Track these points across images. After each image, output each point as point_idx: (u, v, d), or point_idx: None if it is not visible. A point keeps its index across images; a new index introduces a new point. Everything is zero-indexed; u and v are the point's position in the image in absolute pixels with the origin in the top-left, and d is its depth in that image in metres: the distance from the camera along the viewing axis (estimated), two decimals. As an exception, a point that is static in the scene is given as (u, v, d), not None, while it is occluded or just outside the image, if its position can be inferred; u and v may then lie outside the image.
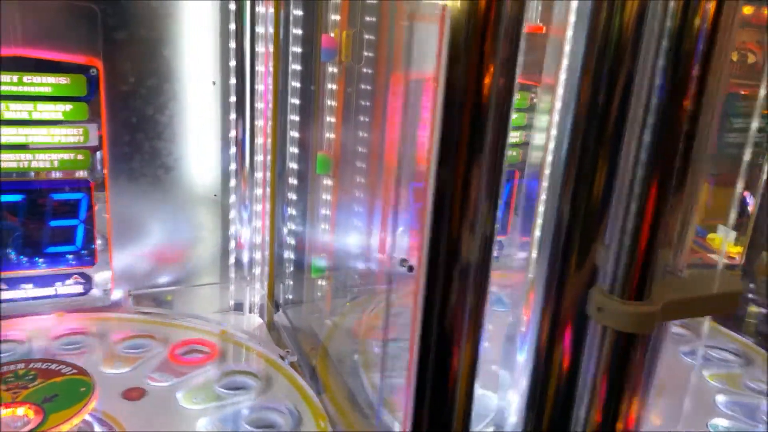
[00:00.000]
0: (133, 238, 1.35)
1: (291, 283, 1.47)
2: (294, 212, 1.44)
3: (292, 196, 1.43)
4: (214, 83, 1.32)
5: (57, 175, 1.21)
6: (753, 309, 1.63)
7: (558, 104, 0.69)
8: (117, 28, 1.22)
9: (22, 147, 1.18)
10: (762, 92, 1.32)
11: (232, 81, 1.34)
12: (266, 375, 1.12)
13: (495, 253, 1.67)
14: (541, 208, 0.80)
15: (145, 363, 1.13)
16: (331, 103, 1.35)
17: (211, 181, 1.40)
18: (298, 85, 1.35)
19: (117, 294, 1.33)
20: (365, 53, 1.34)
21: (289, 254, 1.46)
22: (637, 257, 0.50)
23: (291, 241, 1.46)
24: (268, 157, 1.39)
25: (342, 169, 1.41)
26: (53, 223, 1.24)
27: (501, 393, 0.98)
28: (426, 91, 1.47)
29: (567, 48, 0.68)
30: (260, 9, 1.30)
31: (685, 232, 0.57)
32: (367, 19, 1.32)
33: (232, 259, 1.45)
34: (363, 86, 1.37)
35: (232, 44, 1.31)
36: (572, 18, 0.70)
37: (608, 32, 0.59)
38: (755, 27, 1.58)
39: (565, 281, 0.59)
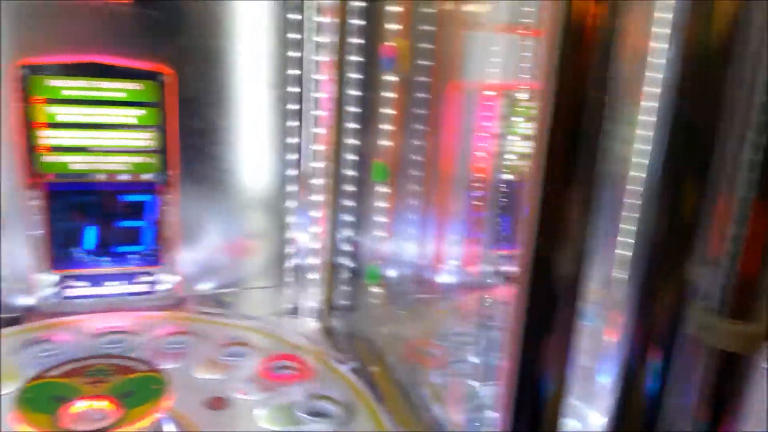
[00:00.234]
0: (196, 240, 1.39)
1: (346, 288, 1.49)
2: (350, 219, 1.46)
3: (348, 202, 1.45)
4: (278, 91, 1.35)
5: (127, 177, 1.26)
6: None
7: (644, 117, 0.69)
8: (186, 36, 1.26)
9: (96, 150, 1.22)
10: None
11: (293, 89, 1.37)
12: (350, 405, 1.07)
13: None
14: (624, 225, 0.80)
15: (237, 372, 1.12)
16: (388, 111, 1.37)
17: (271, 186, 1.43)
18: (356, 93, 1.37)
19: (180, 293, 1.37)
20: (423, 62, 1.35)
21: (344, 260, 1.48)
22: (745, 276, 0.50)
23: (346, 247, 1.48)
24: (327, 164, 1.41)
25: (398, 177, 1.43)
26: (122, 224, 1.28)
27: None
28: (483, 100, 1.48)
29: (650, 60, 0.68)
30: (322, 19, 1.33)
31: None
32: (426, 28, 1.34)
33: (289, 264, 1.48)
34: (420, 95, 1.38)
35: (294, 53, 1.35)
36: (655, 28, 0.70)
37: (698, 43, 0.58)
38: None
39: (655, 300, 0.59)
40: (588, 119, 0.51)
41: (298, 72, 1.35)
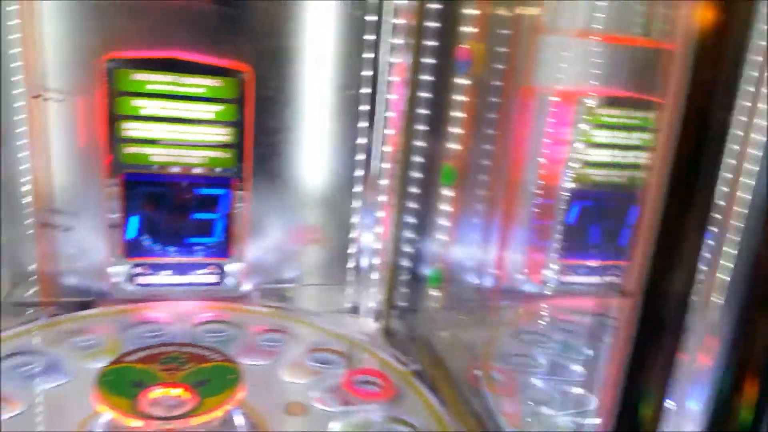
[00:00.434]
0: (262, 234, 1.42)
1: (405, 290, 1.49)
2: (413, 221, 1.46)
3: (412, 204, 1.45)
4: (351, 92, 1.37)
5: (202, 171, 1.29)
6: None
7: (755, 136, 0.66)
8: (264, 35, 1.29)
9: (175, 143, 1.25)
10: None
11: (365, 90, 1.38)
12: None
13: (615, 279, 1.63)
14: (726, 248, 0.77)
15: (321, 380, 1.12)
16: (458, 114, 1.36)
17: (337, 185, 1.45)
18: (427, 95, 1.37)
19: (246, 286, 1.39)
20: (496, 66, 1.35)
21: (405, 262, 1.48)
22: None
23: (408, 249, 1.48)
24: (394, 166, 1.42)
25: (464, 180, 1.42)
26: (195, 216, 1.31)
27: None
28: (554, 106, 1.46)
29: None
30: (398, 20, 1.33)
31: None
32: (502, 31, 1.33)
33: (351, 263, 1.49)
34: (491, 99, 1.38)
35: (369, 55, 1.36)
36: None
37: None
38: None
39: (753, 328, 0.57)
40: (712, 137, 0.50)
41: (371, 73, 1.36)
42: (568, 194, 1.49)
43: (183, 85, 1.23)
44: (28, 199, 1.26)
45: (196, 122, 1.25)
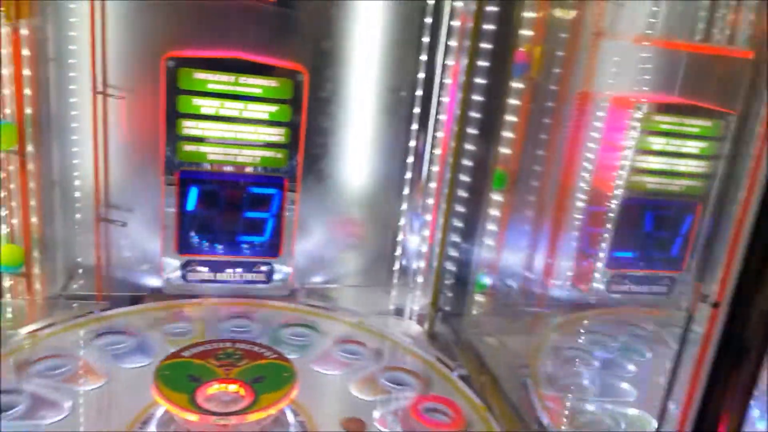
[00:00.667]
0: (310, 234, 1.43)
1: (450, 294, 1.49)
2: (459, 225, 1.45)
3: (460, 208, 1.44)
4: (403, 94, 1.37)
5: (255, 170, 1.30)
6: None
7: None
8: (324, 38, 1.30)
9: (230, 143, 1.27)
10: None
11: (419, 92, 1.38)
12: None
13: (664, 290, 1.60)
14: None
15: (390, 401, 1.07)
16: (512, 118, 1.35)
17: (386, 187, 1.45)
18: (480, 99, 1.36)
19: (293, 285, 1.40)
20: (553, 70, 1.33)
21: (451, 266, 1.47)
22: None
23: (454, 253, 1.47)
24: (444, 169, 1.41)
25: (515, 185, 1.41)
26: (247, 215, 1.33)
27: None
28: (610, 112, 1.44)
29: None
30: (454, 23, 1.33)
31: None
32: (559, 35, 1.31)
33: (396, 265, 1.49)
34: (547, 103, 1.36)
35: (424, 57, 1.35)
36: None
37: None
38: None
39: None
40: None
41: (425, 76, 1.36)
42: (620, 202, 1.46)
43: (241, 84, 1.24)
44: (84, 194, 1.29)
45: (252, 122, 1.26)
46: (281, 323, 1.28)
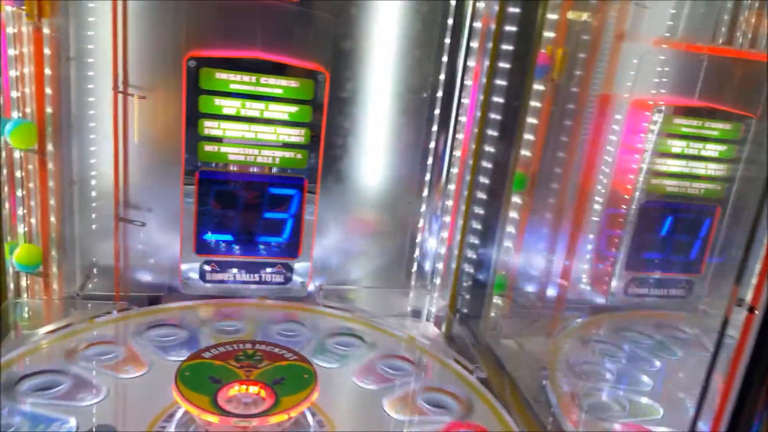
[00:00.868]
0: (328, 235, 1.42)
1: (468, 296, 1.48)
2: (478, 227, 1.45)
3: (479, 210, 1.44)
4: (424, 95, 1.36)
5: (275, 170, 1.30)
6: None
7: None
8: (344, 38, 1.29)
9: (250, 143, 1.27)
10: None
11: (440, 94, 1.37)
12: None
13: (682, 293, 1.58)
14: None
15: (424, 423, 1.03)
16: (533, 120, 1.34)
17: (405, 189, 1.44)
18: (500, 100, 1.36)
19: (311, 287, 1.40)
20: (574, 72, 1.32)
21: (469, 268, 1.47)
22: None
23: (472, 255, 1.46)
24: (463, 171, 1.41)
25: (534, 188, 1.40)
26: (266, 215, 1.32)
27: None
28: (631, 114, 1.43)
29: None
30: (476, 24, 1.32)
31: None
32: (582, 37, 1.30)
33: (414, 267, 1.48)
34: (568, 105, 1.35)
35: (444, 58, 1.35)
36: None
37: None
38: None
39: None
40: None
41: (446, 77, 1.35)
42: (639, 204, 1.45)
43: (263, 85, 1.24)
44: (102, 193, 1.29)
45: (272, 122, 1.26)
46: (330, 331, 1.27)
